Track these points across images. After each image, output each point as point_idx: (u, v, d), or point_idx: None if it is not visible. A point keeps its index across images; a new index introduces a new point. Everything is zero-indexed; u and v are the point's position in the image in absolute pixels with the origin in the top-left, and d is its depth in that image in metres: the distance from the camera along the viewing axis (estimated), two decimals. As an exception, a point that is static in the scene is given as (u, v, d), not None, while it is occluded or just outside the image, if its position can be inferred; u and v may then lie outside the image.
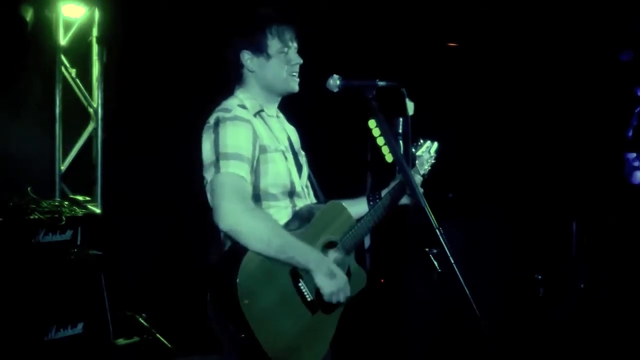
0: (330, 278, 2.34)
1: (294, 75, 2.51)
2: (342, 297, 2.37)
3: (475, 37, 5.13)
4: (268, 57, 2.47)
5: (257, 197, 2.40)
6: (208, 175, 2.33)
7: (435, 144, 3.00)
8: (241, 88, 2.53)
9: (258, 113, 2.48)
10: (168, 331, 4.42)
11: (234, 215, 2.22)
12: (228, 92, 2.54)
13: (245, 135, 2.33)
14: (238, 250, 2.23)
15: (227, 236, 2.32)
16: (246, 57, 2.48)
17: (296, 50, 2.53)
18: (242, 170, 2.28)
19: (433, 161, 2.98)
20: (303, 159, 2.67)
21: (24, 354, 3.58)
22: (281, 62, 2.48)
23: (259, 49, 2.46)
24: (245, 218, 2.23)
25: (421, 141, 2.97)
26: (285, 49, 2.48)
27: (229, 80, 2.56)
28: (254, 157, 2.35)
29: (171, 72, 4.79)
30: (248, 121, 2.37)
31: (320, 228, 2.46)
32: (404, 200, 2.75)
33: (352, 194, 2.81)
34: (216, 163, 2.28)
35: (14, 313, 3.57)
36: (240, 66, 2.50)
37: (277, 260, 2.28)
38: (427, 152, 2.96)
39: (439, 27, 5.14)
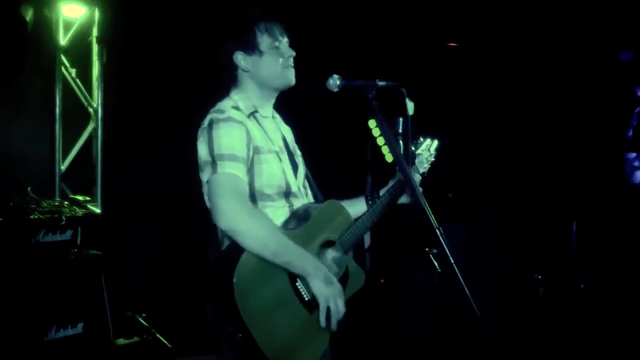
0: (327, 284, 2.33)
1: (289, 67, 2.53)
2: (339, 304, 2.34)
3: (475, 37, 5.13)
4: (261, 53, 2.49)
5: (253, 197, 2.40)
6: (204, 176, 2.34)
7: (436, 142, 3.00)
8: (236, 89, 2.55)
9: (252, 114, 2.48)
10: (168, 331, 4.42)
11: (233, 214, 2.23)
12: (224, 94, 2.54)
13: (239, 136, 2.34)
14: (235, 249, 2.23)
15: (225, 236, 2.33)
16: (239, 57, 2.50)
17: (287, 44, 2.55)
18: (238, 170, 2.29)
19: (433, 159, 2.98)
20: (299, 159, 2.67)
21: (24, 354, 3.58)
22: (274, 56, 2.50)
23: (251, 47, 2.48)
24: (244, 218, 2.24)
25: (421, 139, 2.96)
26: (276, 43, 2.51)
27: (225, 82, 2.57)
28: (248, 158, 2.36)
29: (171, 72, 4.79)
30: (241, 122, 2.38)
31: (318, 227, 2.46)
32: (403, 199, 2.76)
33: (352, 194, 2.81)
34: (212, 164, 2.29)
35: (14, 313, 3.57)
36: (234, 68, 2.52)
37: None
38: (426, 150, 2.95)
39: (439, 27, 5.14)
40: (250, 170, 2.39)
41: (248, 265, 2.22)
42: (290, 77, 2.54)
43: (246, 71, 2.51)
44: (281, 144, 2.58)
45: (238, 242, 2.24)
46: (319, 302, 2.33)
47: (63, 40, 4.70)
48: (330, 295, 2.33)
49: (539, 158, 4.96)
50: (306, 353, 2.36)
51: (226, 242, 2.35)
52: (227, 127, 2.34)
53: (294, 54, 2.54)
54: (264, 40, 2.49)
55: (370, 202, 2.75)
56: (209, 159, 2.31)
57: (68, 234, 3.91)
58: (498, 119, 5.10)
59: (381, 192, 2.77)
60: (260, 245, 2.24)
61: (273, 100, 2.62)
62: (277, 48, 2.51)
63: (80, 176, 4.82)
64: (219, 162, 2.28)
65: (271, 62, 2.50)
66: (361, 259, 2.62)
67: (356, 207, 2.73)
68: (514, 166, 5.04)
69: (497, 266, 4.78)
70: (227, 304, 2.17)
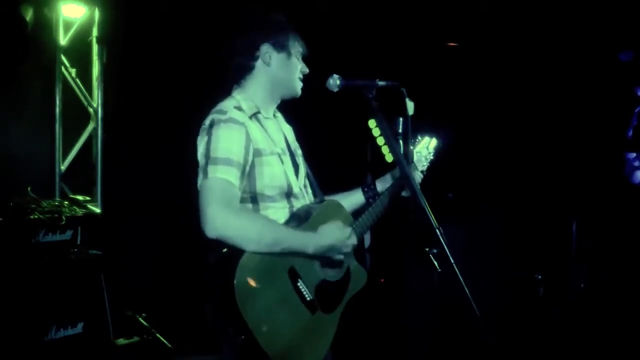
0: (330, 252, 2.39)
1: (300, 81, 2.58)
2: (350, 244, 2.43)
3: (475, 37, 5.13)
4: (289, 55, 2.52)
5: (254, 199, 2.40)
6: (199, 179, 2.33)
7: (434, 140, 3.01)
8: (239, 88, 2.54)
9: (254, 115, 2.47)
10: (168, 331, 4.42)
11: (219, 221, 2.19)
12: (226, 93, 2.54)
13: (238, 139, 2.33)
14: (235, 250, 2.22)
15: None
16: (264, 50, 2.50)
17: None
18: (230, 175, 2.27)
19: (432, 157, 2.99)
20: (300, 159, 2.67)
21: (24, 354, 3.58)
22: (297, 64, 2.56)
23: (281, 46, 2.51)
24: (230, 222, 2.21)
25: (419, 137, 2.98)
26: (300, 56, 2.58)
27: (228, 80, 2.57)
28: (246, 162, 2.34)
29: (171, 72, 4.79)
30: (242, 124, 2.36)
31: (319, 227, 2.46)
32: (403, 192, 2.77)
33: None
34: (205, 167, 2.28)
35: (14, 313, 3.57)
36: (254, 58, 2.50)
37: (275, 259, 2.27)
38: (425, 148, 2.96)
39: (439, 27, 5.14)
40: (251, 173, 2.37)
41: (249, 266, 2.20)
42: (299, 90, 2.59)
43: (267, 64, 2.51)
44: (283, 145, 2.57)
45: (234, 246, 2.23)
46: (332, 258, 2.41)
47: (63, 40, 4.70)
48: (341, 248, 2.41)
49: (539, 158, 4.96)
50: (309, 354, 2.35)
51: (226, 244, 2.34)
52: (227, 128, 2.32)
53: (308, 72, 2.60)
54: (295, 47, 2.55)
55: (366, 190, 2.79)
56: (204, 161, 2.30)
57: (68, 234, 3.91)
58: (498, 119, 5.10)
59: (378, 186, 2.81)
60: (255, 243, 2.22)
61: (276, 104, 2.62)
62: (299, 59, 2.57)
63: (80, 176, 4.82)
64: (211, 166, 2.26)
65: (294, 67, 2.54)
66: (361, 259, 2.62)
67: (352, 199, 2.76)
68: (514, 166, 5.04)
69: (497, 266, 4.78)
70: (228, 306, 2.15)
